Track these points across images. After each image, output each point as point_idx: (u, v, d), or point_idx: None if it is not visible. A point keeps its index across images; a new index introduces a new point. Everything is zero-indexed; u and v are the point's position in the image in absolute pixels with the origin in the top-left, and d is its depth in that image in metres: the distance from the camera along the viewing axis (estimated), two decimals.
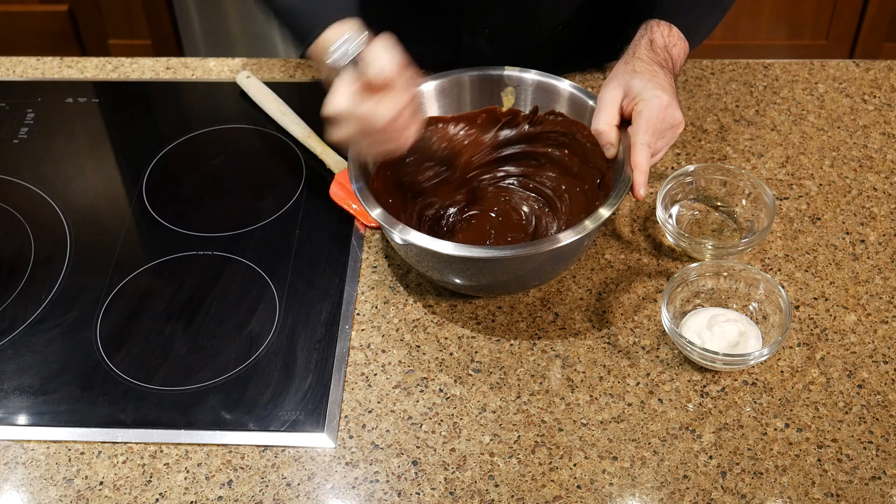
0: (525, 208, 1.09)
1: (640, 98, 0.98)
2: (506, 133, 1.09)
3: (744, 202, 1.07)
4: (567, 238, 0.91)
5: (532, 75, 1.07)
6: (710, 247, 1.02)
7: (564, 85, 1.06)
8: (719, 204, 1.09)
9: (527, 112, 1.07)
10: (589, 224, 0.92)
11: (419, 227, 1.03)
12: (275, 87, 1.28)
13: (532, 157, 1.09)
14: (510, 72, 1.06)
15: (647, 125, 0.97)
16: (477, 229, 1.07)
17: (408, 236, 0.92)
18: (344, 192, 1.11)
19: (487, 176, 1.10)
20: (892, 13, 2.38)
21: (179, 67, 1.32)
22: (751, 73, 1.27)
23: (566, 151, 1.07)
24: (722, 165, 1.09)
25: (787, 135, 1.19)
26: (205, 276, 1.05)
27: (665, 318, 0.95)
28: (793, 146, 1.17)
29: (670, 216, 1.07)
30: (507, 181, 1.10)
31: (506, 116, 1.08)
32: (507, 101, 1.08)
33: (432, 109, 1.07)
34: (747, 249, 1.03)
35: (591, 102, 1.03)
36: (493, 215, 1.08)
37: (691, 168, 1.08)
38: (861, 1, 2.37)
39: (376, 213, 0.93)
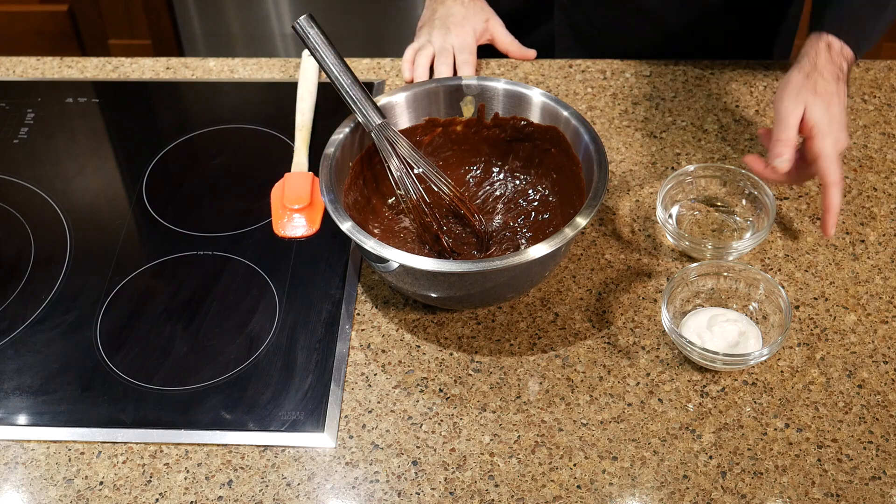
0: (499, 217, 1.08)
1: (819, 132, 0.99)
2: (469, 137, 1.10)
3: (744, 202, 1.07)
4: (543, 250, 0.90)
5: (501, 84, 1.06)
6: (709, 247, 1.02)
7: (535, 93, 1.05)
8: (719, 204, 1.09)
9: (489, 119, 1.07)
10: (568, 231, 0.91)
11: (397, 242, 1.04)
12: (274, 86, 1.28)
13: (501, 159, 1.10)
14: (468, 80, 1.06)
15: (834, 163, 0.99)
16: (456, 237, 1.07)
17: (381, 251, 0.90)
18: (279, 193, 1.12)
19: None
20: None
21: (179, 67, 1.32)
22: (751, 73, 1.27)
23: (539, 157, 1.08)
24: (722, 165, 1.09)
25: None
26: (205, 276, 1.05)
27: (665, 318, 0.95)
28: None
29: (670, 216, 1.07)
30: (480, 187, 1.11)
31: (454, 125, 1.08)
32: (467, 111, 1.07)
33: (403, 121, 1.07)
34: (747, 249, 1.03)
35: (564, 112, 1.03)
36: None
37: (691, 168, 1.08)
38: None
39: (346, 226, 0.93)
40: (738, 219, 1.08)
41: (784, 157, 0.99)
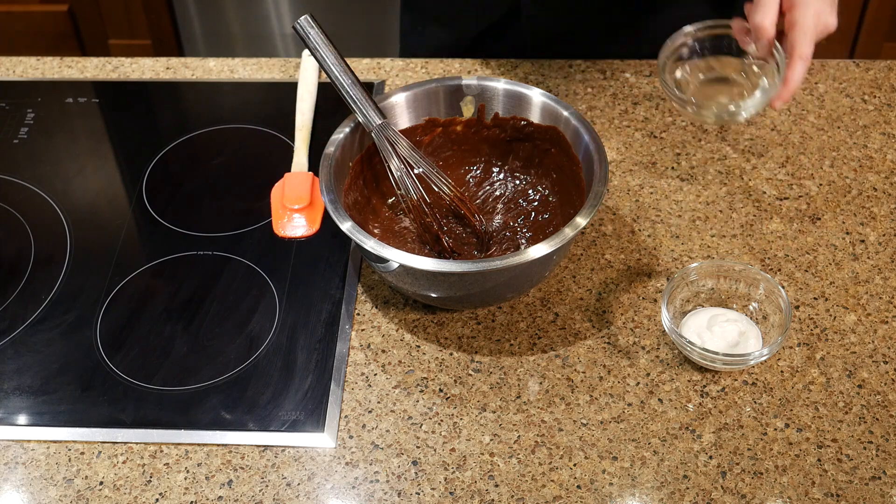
0: (499, 216, 1.08)
1: (798, 2, 0.92)
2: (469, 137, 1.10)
3: (753, 63, 1.01)
4: (543, 249, 0.90)
5: (501, 84, 1.06)
6: (714, 111, 0.97)
7: (535, 93, 1.05)
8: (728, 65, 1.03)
9: (488, 119, 1.07)
10: (568, 231, 0.91)
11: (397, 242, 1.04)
12: (274, 86, 1.28)
13: (501, 160, 1.10)
14: (468, 81, 1.06)
15: (807, 37, 0.92)
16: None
17: (381, 251, 0.90)
18: (279, 193, 1.12)
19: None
20: (892, 13, 2.38)
21: (179, 67, 1.32)
22: None
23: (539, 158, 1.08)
24: (726, 26, 1.01)
25: (787, 135, 1.19)
26: (205, 276, 1.05)
27: (665, 318, 0.95)
28: (793, 146, 1.17)
29: (674, 78, 1.03)
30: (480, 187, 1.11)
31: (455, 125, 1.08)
32: (467, 111, 1.07)
33: (403, 121, 1.07)
34: (759, 108, 0.98)
35: (564, 112, 1.03)
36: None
37: (690, 28, 1.02)
38: (861, 1, 2.37)
39: (346, 226, 0.93)
40: (744, 77, 1.02)
41: (762, 43, 0.94)
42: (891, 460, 0.88)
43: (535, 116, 1.05)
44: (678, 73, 1.04)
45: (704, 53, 1.03)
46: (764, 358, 0.92)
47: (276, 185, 1.13)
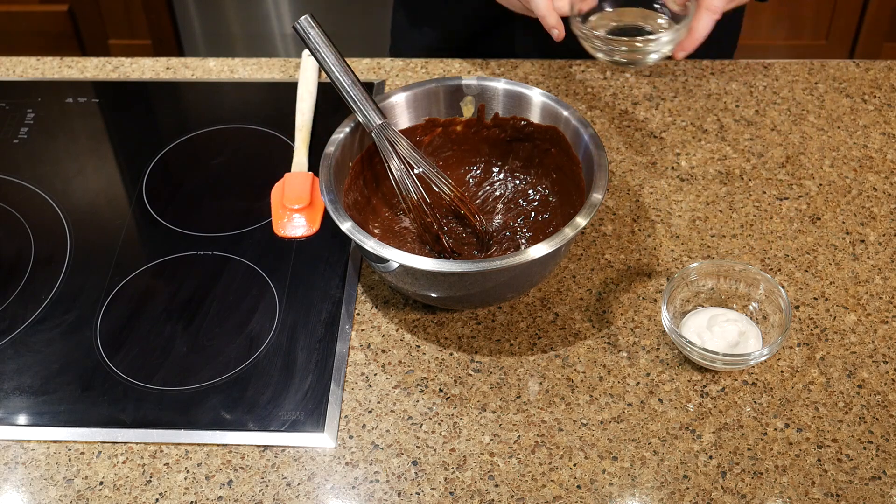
0: (498, 216, 1.08)
1: None
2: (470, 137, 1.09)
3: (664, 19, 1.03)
4: (543, 249, 0.90)
5: (501, 84, 1.06)
6: (624, 49, 0.97)
7: (535, 93, 1.05)
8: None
9: (488, 119, 1.07)
10: (568, 231, 0.91)
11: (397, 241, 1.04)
12: (274, 86, 1.28)
13: (501, 159, 1.10)
14: (468, 81, 1.06)
15: None
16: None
17: (381, 251, 0.90)
18: (279, 193, 1.12)
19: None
20: (892, 13, 2.38)
21: (179, 67, 1.32)
22: (751, 73, 1.27)
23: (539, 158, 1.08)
24: None
25: (787, 135, 1.19)
26: (205, 276, 1.05)
27: (665, 318, 0.95)
28: (793, 146, 1.18)
29: (587, 24, 1.03)
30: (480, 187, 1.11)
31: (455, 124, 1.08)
32: (467, 111, 1.07)
33: (403, 121, 1.07)
34: (672, 45, 0.97)
35: (564, 112, 1.03)
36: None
37: None
38: (861, 1, 2.38)
39: (346, 226, 0.93)
40: (654, 28, 1.03)
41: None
42: (891, 460, 0.88)
43: (535, 116, 1.05)
44: (592, 20, 1.04)
45: (619, 4, 1.05)
46: (764, 358, 0.92)
47: (276, 185, 1.13)
